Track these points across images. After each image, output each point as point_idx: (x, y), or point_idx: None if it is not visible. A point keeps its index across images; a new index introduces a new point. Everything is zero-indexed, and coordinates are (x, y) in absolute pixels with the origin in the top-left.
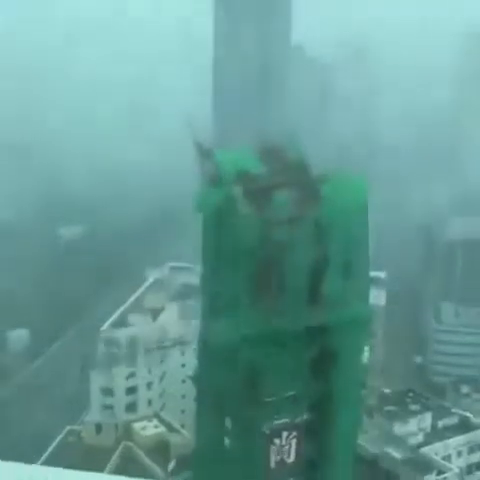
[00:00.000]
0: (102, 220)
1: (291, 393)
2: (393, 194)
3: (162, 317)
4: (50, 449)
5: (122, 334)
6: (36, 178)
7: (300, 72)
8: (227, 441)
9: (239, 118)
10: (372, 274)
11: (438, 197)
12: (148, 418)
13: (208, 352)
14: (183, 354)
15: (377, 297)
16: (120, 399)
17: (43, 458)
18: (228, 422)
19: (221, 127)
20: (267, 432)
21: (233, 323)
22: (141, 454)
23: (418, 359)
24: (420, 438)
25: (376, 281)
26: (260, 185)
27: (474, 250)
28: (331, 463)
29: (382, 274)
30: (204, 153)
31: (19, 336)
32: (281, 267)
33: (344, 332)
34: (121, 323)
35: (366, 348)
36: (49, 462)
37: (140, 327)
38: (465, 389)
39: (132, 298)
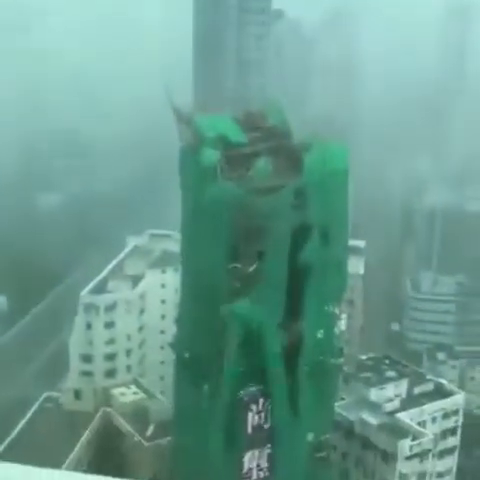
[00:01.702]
0: (81, 187)
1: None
2: (373, 163)
3: (142, 284)
4: (28, 415)
5: (101, 300)
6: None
7: (282, 38)
8: (205, 407)
9: (219, 84)
10: (351, 243)
11: (418, 166)
12: (127, 384)
13: (188, 317)
14: (163, 319)
15: (356, 266)
16: (99, 365)
17: (21, 425)
18: (206, 389)
19: (201, 93)
20: (244, 398)
21: (213, 287)
22: (120, 420)
23: (395, 327)
24: (396, 404)
25: (355, 250)
26: (240, 152)
27: (452, 220)
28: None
29: (361, 243)
30: (184, 119)
31: None
32: (261, 234)
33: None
34: (100, 289)
35: (343, 316)
36: (27, 428)
37: (120, 294)
38: (441, 356)
39: (112, 265)
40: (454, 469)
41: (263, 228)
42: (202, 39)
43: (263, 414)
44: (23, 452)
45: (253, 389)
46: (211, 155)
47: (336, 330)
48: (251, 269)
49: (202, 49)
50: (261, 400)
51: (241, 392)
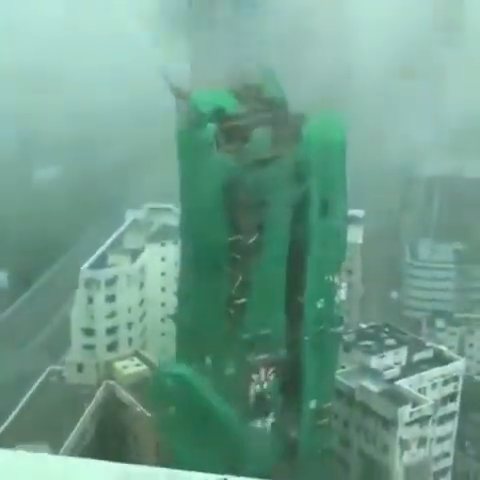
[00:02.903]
0: (80, 161)
1: (269, 330)
2: (371, 131)
3: (142, 257)
4: (33, 389)
5: (102, 274)
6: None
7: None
8: (208, 378)
9: (215, 57)
10: (350, 212)
11: (417, 135)
12: (129, 357)
13: (188, 289)
14: (163, 292)
15: (354, 235)
16: (101, 339)
17: (26, 398)
18: (208, 360)
19: (197, 66)
20: (246, 369)
21: (213, 260)
22: (123, 392)
23: (394, 295)
24: (396, 371)
25: (353, 219)
26: (237, 124)
27: (450, 187)
28: (309, 397)
29: (360, 212)
30: (180, 93)
31: None
32: (260, 205)
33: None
34: (100, 264)
35: (343, 285)
36: (31, 402)
37: (120, 267)
38: (440, 323)
39: (111, 239)
40: (454, 434)
41: (262, 200)
42: (197, 9)
43: (266, 384)
44: (28, 425)
45: (256, 359)
46: (208, 128)
47: (336, 299)
48: (251, 241)
49: (197, 19)
50: (263, 370)
51: (243, 362)
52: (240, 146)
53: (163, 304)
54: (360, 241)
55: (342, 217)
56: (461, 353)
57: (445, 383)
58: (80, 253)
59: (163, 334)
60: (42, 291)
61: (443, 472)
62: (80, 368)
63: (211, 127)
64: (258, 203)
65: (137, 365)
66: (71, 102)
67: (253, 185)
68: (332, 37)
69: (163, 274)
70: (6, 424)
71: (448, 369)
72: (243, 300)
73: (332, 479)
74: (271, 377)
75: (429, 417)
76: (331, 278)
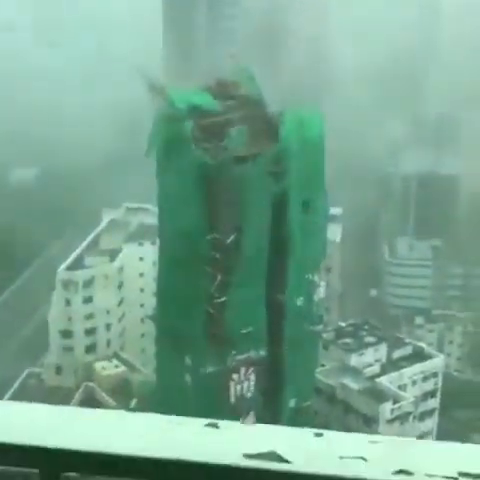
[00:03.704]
0: (56, 162)
1: (249, 329)
2: (347, 127)
3: (119, 258)
4: (11, 391)
5: (79, 276)
6: None
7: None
8: (188, 378)
9: (190, 54)
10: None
11: (394, 130)
12: (108, 358)
13: (167, 289)
14: (142, 293)
15: (333, 233)
16: (79, 341)
17: (4, 400)
18: (188, 360)
19: (172, 63)
20: (226, 368)
21: (192, 259)
22: (102, 394)
23: (373, 292)
24: (376, 369)
25: (332, 217)
26: (214, 121)
27: (428, 184)
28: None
29: (338, 210)
30: (156, 90)
31: None
32: (238, 203)
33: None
34: (78, 265)
35: (322, 283)
36: None
37: (97, 268)
38: (419, 320)
39: (88, 239)
40: (434, 430)
41: (240, 198)
42: (171, 8)
43: (246, 383)
44: None
45: (236, 358)
46: (184, 126)
47: (316, 297)
48: (230, 240)
49: (172, 17)
50: (243, 369)
51: (224, 362)
52: (217, 143)
53: (142, 305)
54: (339, 239)
55: (322, 215)
56: (440, 350)
57: (425, 379)
58: (57, 255)
59: (142, 335)
60: (18, 294)
61: None
62: (59, 370)
63: (188, 124)
64: (236, 200)
65: (116, 366)
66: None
67: (231, 183)
68: (311, 34)
69: (141, 274)
70: None
71: (427, 366)
72: (223, 299)
73: None
74: (251, 376)
75: (410, 414)
76: (311, 276)
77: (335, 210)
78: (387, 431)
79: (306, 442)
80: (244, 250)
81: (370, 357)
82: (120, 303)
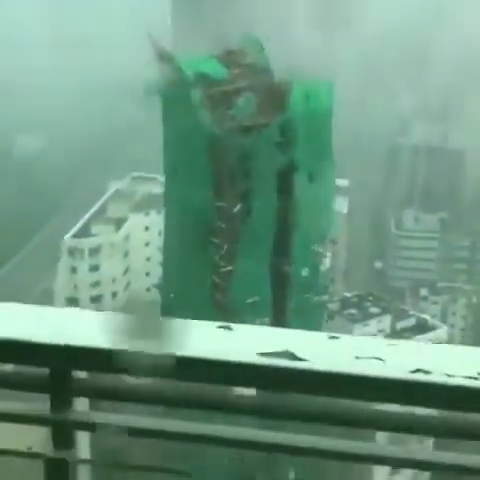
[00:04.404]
0: (61, 131)
1: (254, 299)
2: (355, 98)
3: (125, 227)
4: None
5: (85, 243)
6: None
7: None
8: None
9: (199, 21)
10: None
11: (402, 102)
12: None
13: (173, 258)
14: (147, 262)
15: (340, 205)
16: (85, 308)
17: None
18: None
19: (181, 30)
20: None
21: (197, 228)
22: None
23: (378, 264)
24: None
25: (338, 189)
26: (222, 89)
27: (435, 157)
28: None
29: (344, 182)
30: (164, 57)
31: None
32: (245, 173)
33: None
34: (84, 233)
35: (328, 254)
36: None
37: (103, 237)
38: (423, 292)
39: (94, 208)
40: None
41: (247, 167)
42: None
43: None
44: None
45: None
46: (193, 93)
47: (321, 268)
48: (236, 209)
49: None
50: None
51: None
52: (224, 112)
53: (147, 274)
54: (345, 211)
55: (329, 185)
56: (444, 321)
57: None
58: (63, 223)
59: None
60: (24, 261)
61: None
62: None
63: (195, 92)
64: (243, 170)
65: None
66: None
67: (237, 152)
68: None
69: (147, 244)
70: None
71: (430, 337)
72: (229, 268)
73: None
74: None
75: None
76: (317, 247)
77: (341, 182)
78: None
79: (321, 343)
80: (250, 220)
81: (374, 327)
82: (126, 272)
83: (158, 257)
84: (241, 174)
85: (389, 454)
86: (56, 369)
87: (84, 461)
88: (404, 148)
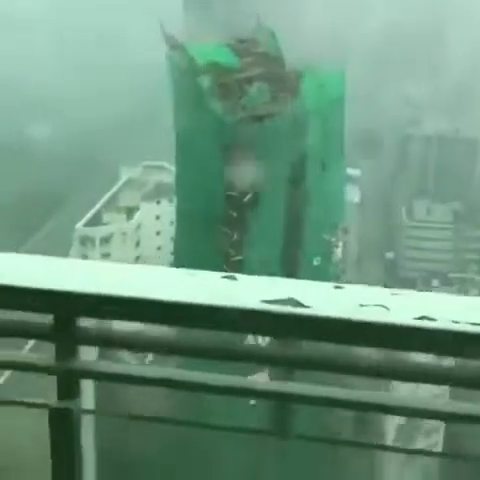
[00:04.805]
0: (72, 118)
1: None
2: (367, 89)
3: (137, 215)
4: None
5: (97, 232)
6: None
7: None
8: None
9: (211, 10)
10: (347, 171)
11: (413, 92)
12: None
13: (184, 247)
14: (159, 250)
15: (351, 194)
16: None
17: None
18: None
19: (192, 19)
20: None
21: (208, 217)
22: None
23: (390, 255)
24: None
25: (350, 178)
26: (234, 78)
27: (447, 147)
28: None
29: (356, 171)
30: (176, 46)
31: None
32: (255, 163)
33: None
34: (95, 222)
35: (340, 244)
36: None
37: (115, 225)
38: (434, 283)
39: (106, 197)
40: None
41: (258, 156)
42: None
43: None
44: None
45: None
46: (203, 82)
47: (333, 258)
48: (247, 198)
49: None
50: None
51: None
52: (236, 101)
53: (158, 262)
54: (357, 200)
55: (340, 175)
56: None
57: None
58: (75, 212)
59: None
60: (34, 249)
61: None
62: None
63: (206, 80)
64: (253, 160)
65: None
66: None
67: (248, 141)
68: None
69: (158, 233)
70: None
71: None
72: (239, 257)
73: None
74: None
75: None
76: (328, 236)
77: (353, 171)
78: (398, 386)
79: (326, 292)
80: (261, 209)
81: None
82: (136, 260)
83: (169, 246)
84: (252, 163)
85: (402, 404)
86: (61, 316)
87: (88, 411)
88: (416, 138)
